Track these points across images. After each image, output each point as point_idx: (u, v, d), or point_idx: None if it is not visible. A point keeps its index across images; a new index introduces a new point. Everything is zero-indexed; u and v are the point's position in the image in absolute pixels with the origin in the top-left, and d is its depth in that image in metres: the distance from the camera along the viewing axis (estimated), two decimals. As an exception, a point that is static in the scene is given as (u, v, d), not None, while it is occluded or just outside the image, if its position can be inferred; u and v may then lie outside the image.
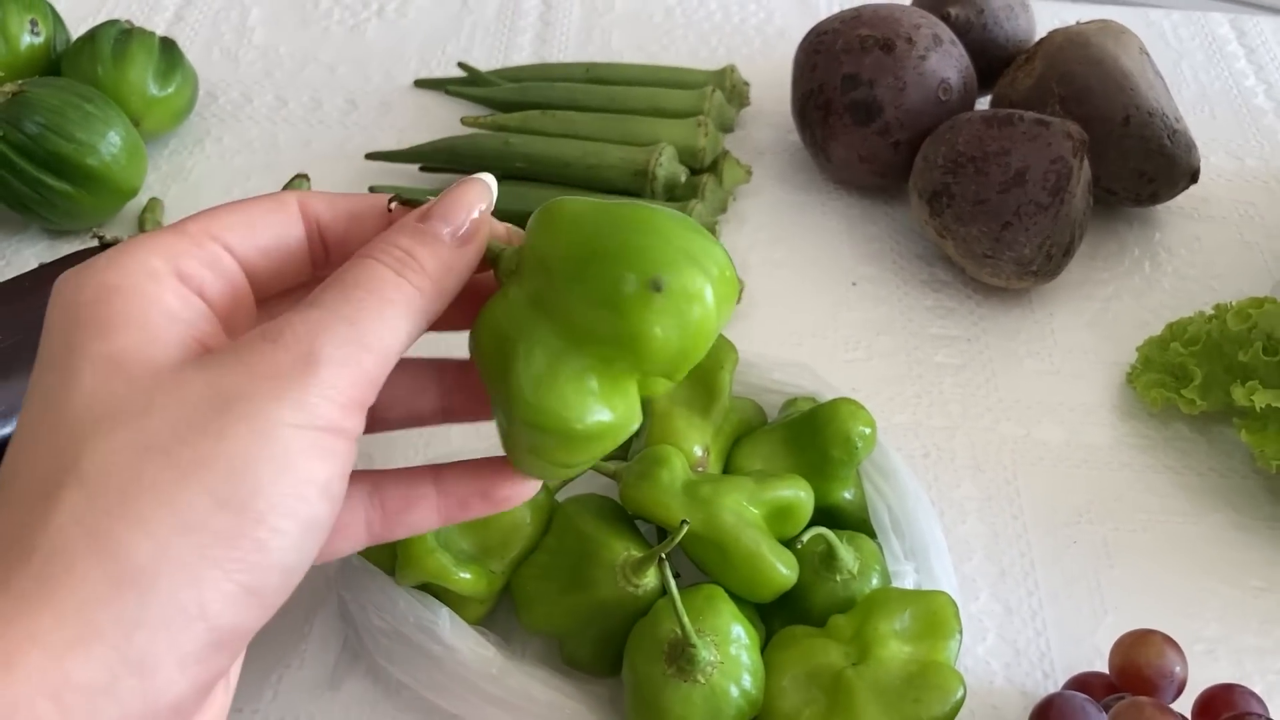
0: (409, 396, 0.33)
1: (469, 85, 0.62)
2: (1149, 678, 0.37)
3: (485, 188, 0.30)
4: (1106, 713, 0.36)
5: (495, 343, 0.29)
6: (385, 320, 0.27)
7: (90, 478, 0.24)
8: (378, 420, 0.32)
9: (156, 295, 0.27)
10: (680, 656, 0.36)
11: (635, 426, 0.29)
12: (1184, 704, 0.38)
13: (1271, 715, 0.36)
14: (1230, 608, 0.44)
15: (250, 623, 0.25)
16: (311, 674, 0.41)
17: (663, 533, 0.41)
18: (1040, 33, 0.59)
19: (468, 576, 0.39)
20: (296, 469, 0.25)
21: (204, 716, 0.26)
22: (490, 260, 0.30)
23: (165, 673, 0.23)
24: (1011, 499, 0.47)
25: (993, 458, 0.49)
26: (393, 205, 0.30)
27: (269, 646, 0.42)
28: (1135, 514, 0.47)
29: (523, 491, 0.32)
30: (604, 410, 0.28)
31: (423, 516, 0.32)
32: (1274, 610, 0.44)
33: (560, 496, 0.43)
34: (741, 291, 0.53)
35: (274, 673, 0.41)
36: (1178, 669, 0.38)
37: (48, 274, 0.45)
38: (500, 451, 0.31)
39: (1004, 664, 0.42)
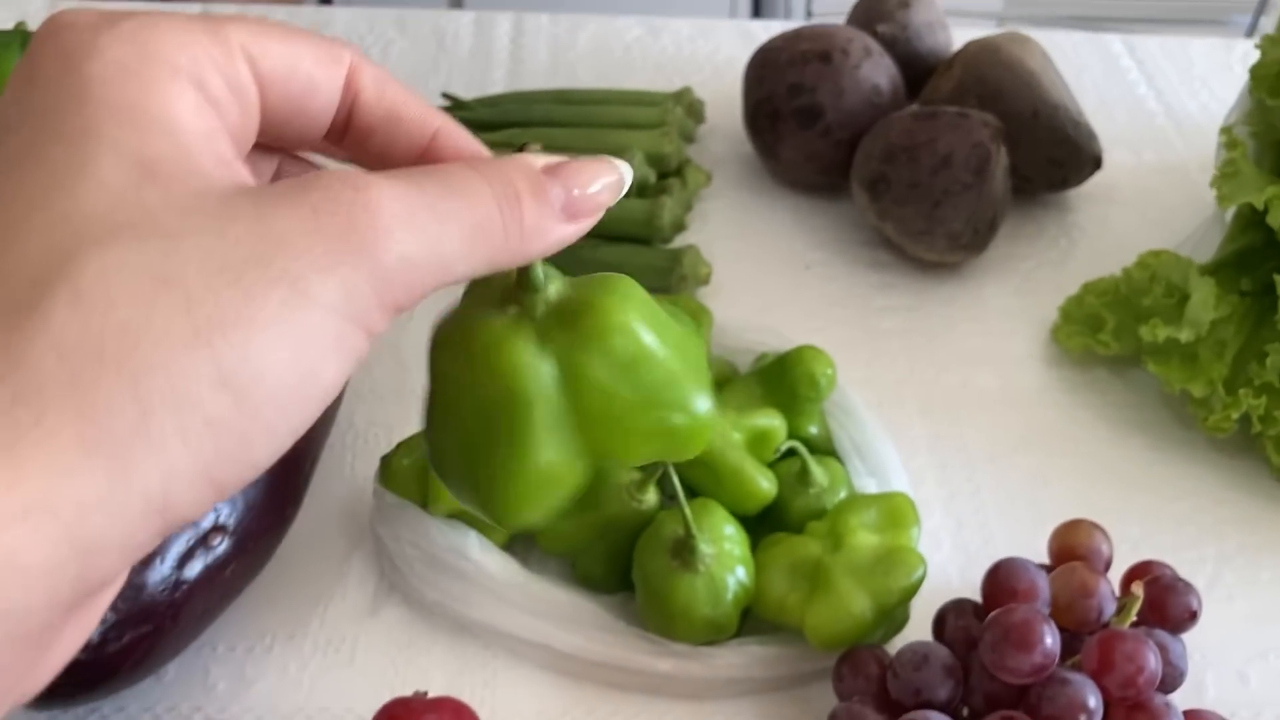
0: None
1: (453, 110, 0.69)
2: (1081, 555, 0.44)
3: (618, 174, 0.27)
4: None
5: (499, 389, 0.26)
6: (465, 239, 0.24)
7: (88, 297, 0.19)
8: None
9: (184, 102, 0.22)
10: (684, 550, 0.42)
11: None
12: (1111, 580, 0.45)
13: (1182, 576, 0.43)
14: (1149, 514, 0.51)
15: (196, 517, 0.21)
16: (353, 604, 0.47)
17: (658, 462, 0.47)
18: (956, 48, 0.67)
19: (492, 501, 0.45)
20: (311, 362, 0.21)
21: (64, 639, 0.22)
22: (524, 269, 0.26)
23: (109, 561, 0.20)
24: (956, 436, 0.54)
25: (938, 404, 0.55)
26: (526, 148, 0.26)
27: (312, 582, 0.47)
28: (1065, 444, 0.54)
29: None
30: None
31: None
32: (1186, 513, 0.51)
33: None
34: (710, 276, 0.60)
35: (319, 604, 0.46)
36: (1104, 547, 0.44)
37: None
38: None
39: (958, 568, 0.49)
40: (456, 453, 0.27)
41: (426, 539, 0.45)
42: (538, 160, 0.26)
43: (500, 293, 0.27)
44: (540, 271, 0.26)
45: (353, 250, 0.22)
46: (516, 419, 0.26)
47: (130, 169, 0.21)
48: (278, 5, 0.79)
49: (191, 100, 0.22)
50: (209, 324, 0.20)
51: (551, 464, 0.27)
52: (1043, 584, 0.41)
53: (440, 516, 0.45)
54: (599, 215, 0.26)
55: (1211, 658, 0.46)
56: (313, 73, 0.25)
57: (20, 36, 0.62)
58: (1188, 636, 0.42)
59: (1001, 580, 0.41)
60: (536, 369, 0.26)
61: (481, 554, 0.44)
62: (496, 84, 0.73)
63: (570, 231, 0.26)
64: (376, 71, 0.26)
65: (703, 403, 0.28)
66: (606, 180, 0.26)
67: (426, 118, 0.27)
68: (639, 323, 0.26)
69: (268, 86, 0.24)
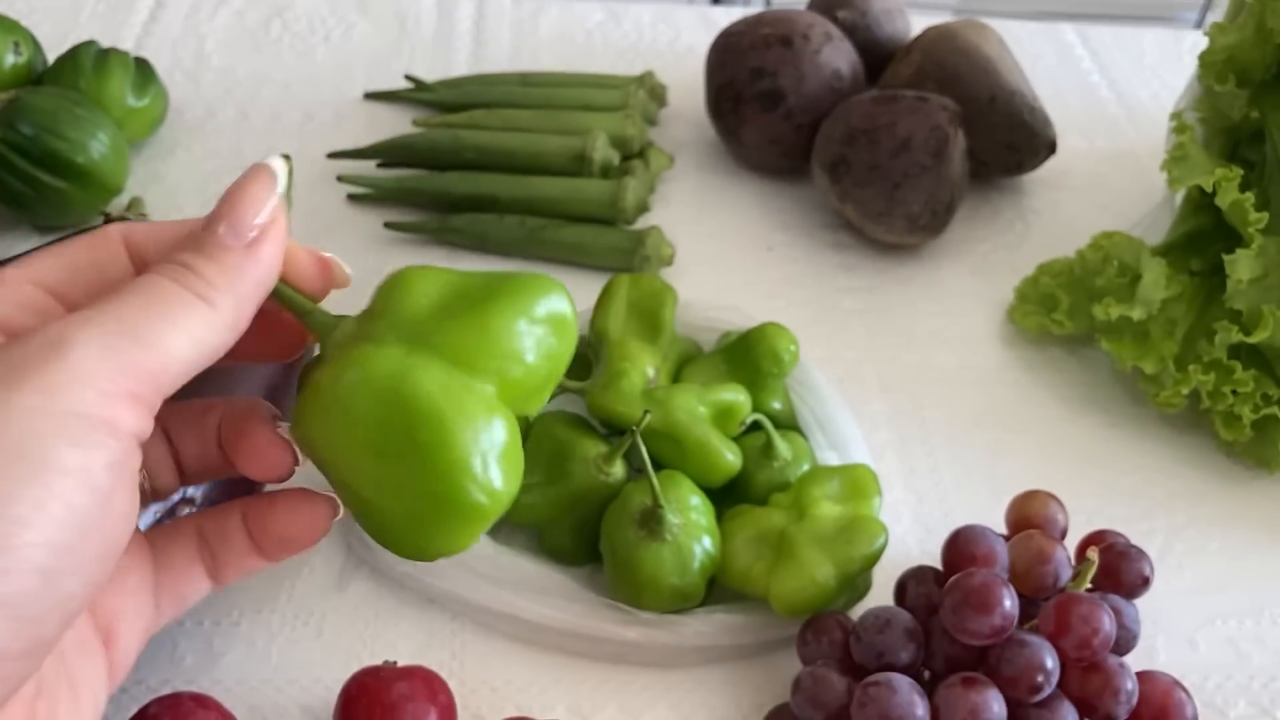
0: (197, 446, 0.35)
1: (416, 91, 0.69)
2: (1038, 524, 0.45)
3: (270, 178, 0.29)
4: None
5: (396, 410, 0.29)
6: (166, 319, 0.26)
7: None
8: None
9: None
10: (651, 520, 0.43)
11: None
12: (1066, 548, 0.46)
13: (1143, 543, 0.44)
14: (1103, 486, 0.52)
15: (7, 639, 0.23)
16: (320, 579, 0.47)
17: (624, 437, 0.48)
18: (914, 34, 0.68)
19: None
20: (41, 456, 0.23)
21: None
22: (301, 316, 0.31)
23: None
24: (915, 412, 0.55)
25: (897, 381, 0.56)
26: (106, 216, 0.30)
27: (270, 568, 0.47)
28: (1021, 420, 0.55)
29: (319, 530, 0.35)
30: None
31: (250, 562, 0.35)
32: (1139, 486, 0.52)
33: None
34: (673, 257, 0.60)
35: (287, 579, 0.47)
36: (1060, 517, 0.45)
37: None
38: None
39: (918, 540, 0.50)
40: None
41: (395, 512, 0.45)
42: (196, 223, 0.29)
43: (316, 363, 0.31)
44: (305, 311, 0.31)
45: (39, 362, 0.24)
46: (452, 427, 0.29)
47: None
48: (237, -12, 0.78)
49: None
50: None
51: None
52: (1001, 551, 0.42)
53: (408, 490, 0.45)
54: (281, 225, 0.29)
55: (1162, 624, 0.47)
56: (91, 260, 0.30)
57: (92, 46, 0.61)
58: (1140, 603, 0.43)
59: (961, 547, 0.42)
60: (385, 358, 0.29)
61: (450, 526, 0.45)
62: (459, 67, 0.73)
63: (267, 253, 0.29)
64: (144, 224, 0.31)
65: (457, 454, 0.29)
66: (262, 197, 0.29)
67: (197, 224, 0.30)
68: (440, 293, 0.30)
69: (62, 291, 0.29)
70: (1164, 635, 0.47)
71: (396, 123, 0.68)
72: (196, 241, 0.28)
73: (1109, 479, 0.53)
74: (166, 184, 0.64)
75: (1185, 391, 0.52)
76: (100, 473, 0.24)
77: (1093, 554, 0.40)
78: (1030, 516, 0.45)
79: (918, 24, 0.70)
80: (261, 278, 0.28)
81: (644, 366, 0.49)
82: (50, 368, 0.24)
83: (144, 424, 0.26)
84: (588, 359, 0.50)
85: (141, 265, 0.30)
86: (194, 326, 0.27)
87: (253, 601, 0.46)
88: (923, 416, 0.55)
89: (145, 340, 0.25)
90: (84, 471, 0.24)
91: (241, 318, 0.28)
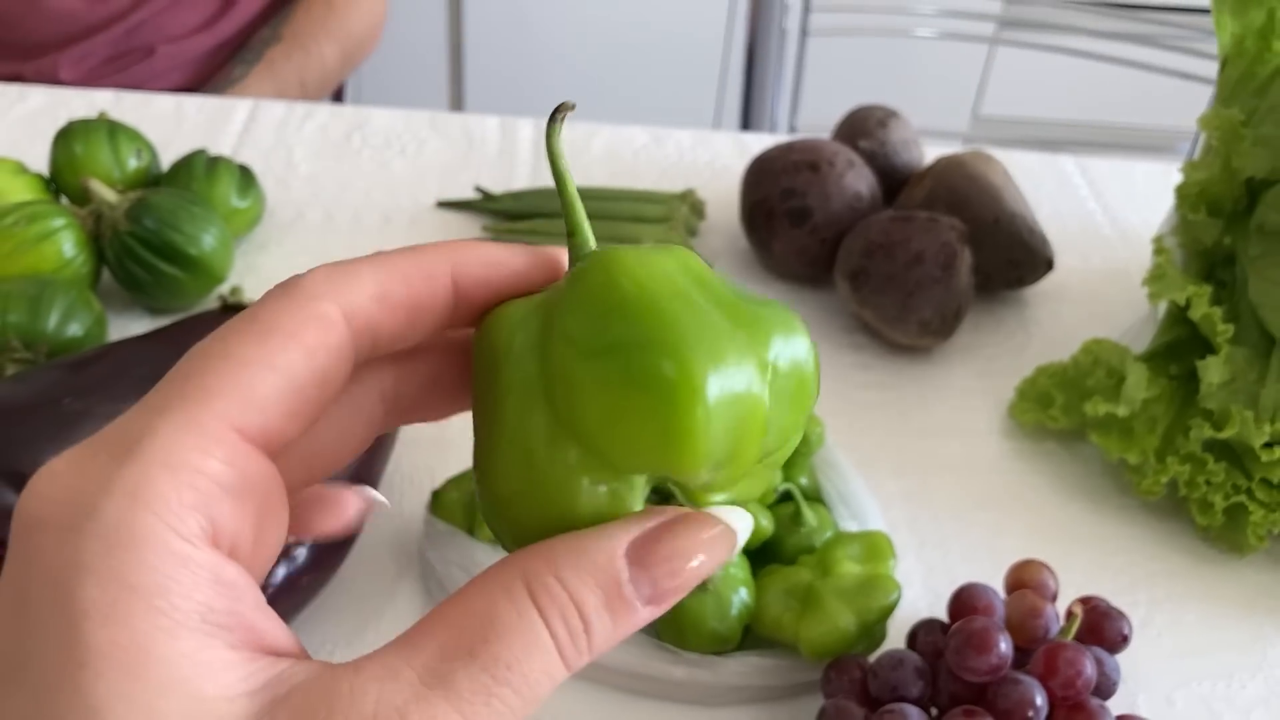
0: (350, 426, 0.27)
1: (484, 201, 0.78)
2: (1032, 587, 0.51)
3: (726, 542, 0.24)
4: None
5: (484, 358, 0.26)
6: (512, 711, 0.21)
7: None
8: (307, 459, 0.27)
9: (187, 632, 0.21)
10: (695, 571, 0.49)
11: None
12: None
13: (1126, 612, 0.51)
14: (1090, 564, 0.59)
15: None
16: (404, 619, 0.53)
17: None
18: (927, 162, 0.77)
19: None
20: None
21: None
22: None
23: None
24: (925, 494, 0.62)
25: (908, 466, 0.63)
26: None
27: (368, 599, 0.54)
28: (1019, 504, 0.62)
29: None
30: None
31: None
32: (1123, 565, 0.59)
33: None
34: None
35: (374, 618, 0.53)
36: (1051, 582, 0.52)
37: (186, 323, 0.59)
38: None
39: (928, 604, 0.56)
40: (477, 446, 0.26)
41: (471, 561, 0.52)
42: (617, 547, 0.22)
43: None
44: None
45: None
46: (492, 382, 0.25)
47: None
48: (321, 107, 0.88)
49: (196, 623, 0.21)
50: None
51: (522, 430, 0.24)
52: (999, 605, 0.48)
53: (484, 542, 0.52)
54: (689, 590, 0.23)
55: (1143, 683, 0.53)
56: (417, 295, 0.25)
57: (106, 125, 0.71)
58: (1123, 665, 0.49)
59: (965, 599, 0.48)
60: (515, 330, 0.25)
61: (520, 574, 0.51)
62: (520, 180, 0.82)
63: (646, 615, 0.23)
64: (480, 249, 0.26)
65: (704, 362, 0.23)
66: (702, 556, 0.23)
67: (438, 283, 0.26)
68: (641, 273, 0.24)
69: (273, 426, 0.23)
70: (1145, 693, 0.53)
71: (465, 228, 0.77)
72: (605, 578, 0.22)
73: (1096, 557, 0.59)
74: (262, 274, 0.72)
75: (1165, 481, 0.59)
76: None
77: (1077, 609, 0.47)
78: (1025, 580, 0.52)
79: (930, 153, 0.78)
80: (638, 625, 0.23)
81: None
82: None
83: None
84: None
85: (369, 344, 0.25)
86: (546, 680, 0.22)
87: (345, 635, 0.52)
88: (931, 497, 0.62)
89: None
90: None
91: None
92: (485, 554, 0.52)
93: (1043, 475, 0.64)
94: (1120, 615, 0.50)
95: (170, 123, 0.85)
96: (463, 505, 0.53)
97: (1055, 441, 0.65)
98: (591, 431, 0.23)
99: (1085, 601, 0.51)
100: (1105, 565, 0.59)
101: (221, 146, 0.83)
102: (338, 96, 1.28)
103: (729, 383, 0.23)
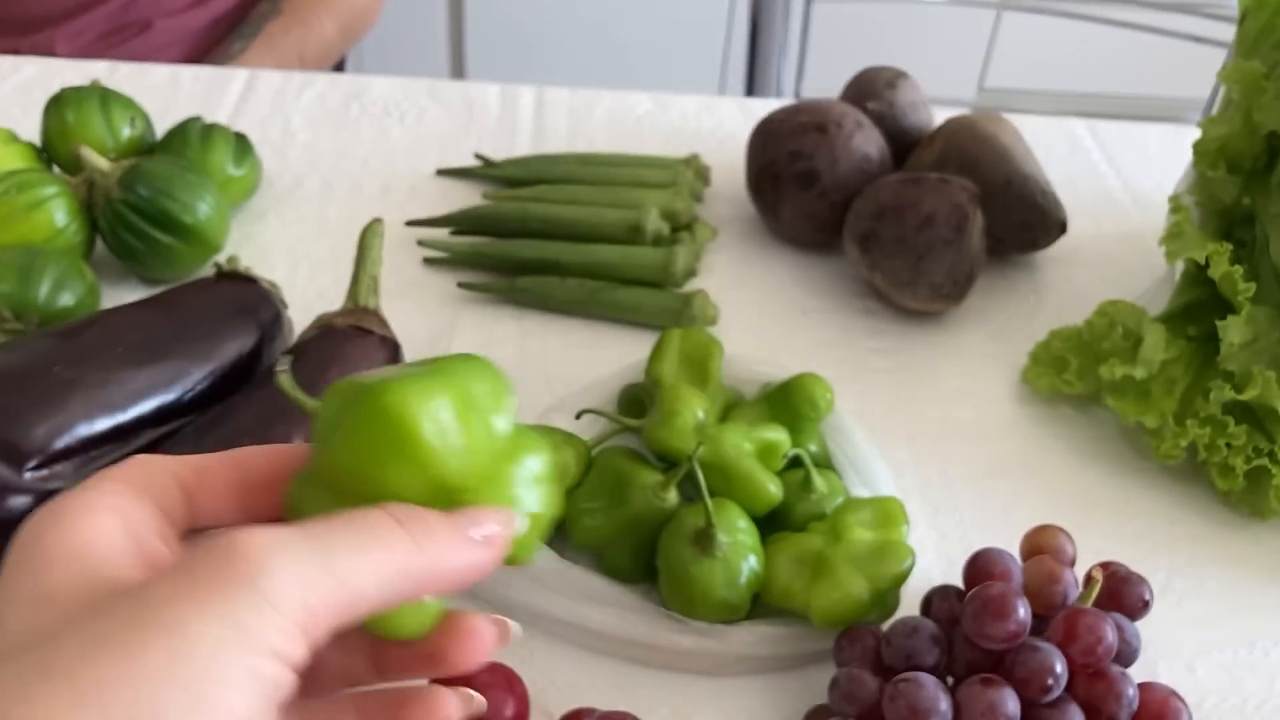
0: (342, 655, 0.31)
1: (485, 169, 0.76)
2: (1049, 553, 0.50)
3: (513, 524, 0.29)
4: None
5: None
6: (365, 555, 0.26)
7: None
8: (309, 683, 0.28)
9: (100, 529, 0.26)
10: (704, 538, 0.48)
11: None
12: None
13: (1143, 576, 0.49)
14: (1108, 531, 0.57)
15: None
16: (403, 591, 0.52)
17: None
18: (936, 124, 0.75)
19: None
20: (213, 699, 0.23)
21: None
22: None
23: None
24: (938, 461, 0.61)
25: (921, 432, 0.62)
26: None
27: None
28: (1034, 470, 0.60)
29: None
30: None
31: None
32: (1141, 530, 0.58)
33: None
34: (717, 318, 0.66)
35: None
36: (1069, 547, 0.51)
37: (180, 289, 0.57)
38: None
39: (941, 571, 0.55)
40: None
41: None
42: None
43: None
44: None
45: (226, 585, 0.24)
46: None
47: (33, 602, 0.25)
48: (318, 75, 0.86)
49: (107, 525, 0.26)
50: (94, 687, 0.22)
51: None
52: (1016, 571, 0.47)
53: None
54: (504, 550, 0.29)
55: (1164, 651, 0.52)
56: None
57: (99, 92, 0.69)
58: (1143, 631, 0.48)
59: (981, 565, 0.47)
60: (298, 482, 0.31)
61: (523, 543, 0.50)
62: (521, 148, 0.81)
63: (483, 557, 0.28)
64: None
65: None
66: (507, 526, 0.29)
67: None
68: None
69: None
70: (1165, 661, 0.52)
71: (466, 196, 0.75)
72: (447, 515, 0.28)
73: (1114, 523, 0.58)
74: (259, 244, 0.70)
75: (1184, 444, 0.57)
76: (255, 709, 0.24)
77: (1097, 573, 0.46)
78: (1042, 546, 0.50)
79: (939, 116, 0.77)
80: (474, 564, 0.28)
81: (695, 408, 0.54)
82: (245, 598, 0.24)
83: (306, 656, 0.25)
84: (644, 401, 0.56)
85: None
86: (391, 570, 0.26)
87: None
88: (944, 465, 0.60)
89: (341, 575, 0.25)
90: (246, 713, 0.24)
91: (435, 580, 0.27)
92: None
93: (1058, 440, 0.62)
94: (1141, 580, 0.48)
95: (166, 93, 0.83)
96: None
97: (1070, 406, 0.64)
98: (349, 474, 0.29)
99: (1105, 566, 0.49)
100: (1123, 531, 0.58)
101: (218, 116, 0.81)
102: (338, 66, 1.26)
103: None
